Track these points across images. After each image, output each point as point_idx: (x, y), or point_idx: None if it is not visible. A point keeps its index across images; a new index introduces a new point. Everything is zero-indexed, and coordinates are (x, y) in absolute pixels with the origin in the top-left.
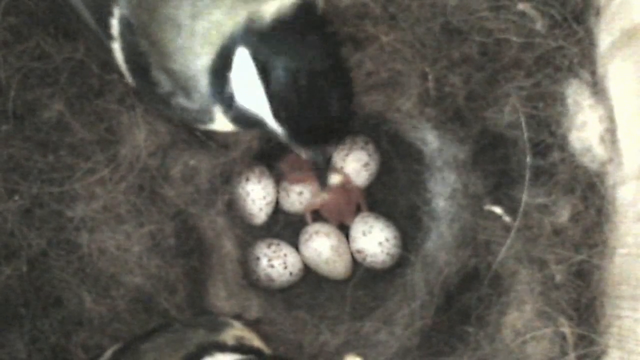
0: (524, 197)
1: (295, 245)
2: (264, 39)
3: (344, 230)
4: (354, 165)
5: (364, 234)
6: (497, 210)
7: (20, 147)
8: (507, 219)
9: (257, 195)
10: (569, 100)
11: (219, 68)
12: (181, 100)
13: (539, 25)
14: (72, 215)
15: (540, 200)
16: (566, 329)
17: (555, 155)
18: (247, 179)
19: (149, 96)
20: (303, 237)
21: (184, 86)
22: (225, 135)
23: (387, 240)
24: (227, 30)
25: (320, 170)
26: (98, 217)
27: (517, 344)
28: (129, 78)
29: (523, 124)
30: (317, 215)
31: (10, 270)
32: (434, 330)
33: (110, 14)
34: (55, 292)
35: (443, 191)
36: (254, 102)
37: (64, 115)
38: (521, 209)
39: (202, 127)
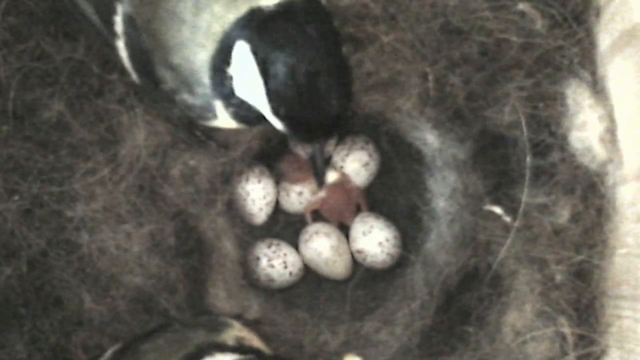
0: (524, 197)
1: (295, 245)
2: (263, 33)
3: (344, 230)
4: (354, 165)
5: (364, 234)
6: (497, 210)
7: (20, 147)
8: (507, 219)
9: (257, 195)
10: (569, 100)
11: (219, 62)
12: (185, 97)
13: (539, 25)
14: (72, 215)
15: (540, 200)
16: (566, 329)
17: (555, 155)
18: (247, 179)
19: (154, 93)
20: (303, 237)
21: (187, 82)
22: (225, 134)
23: (387, 240)
24: (227, 25)
25: (318, 167)
26: (98, 217)
27: (517, 344)
28: (133, 75)
29: (523, 124)
30: (317, 215)
31: (10, 270)
32: (434, 330)
33: (113, 11)
34: (55, 292)
35: (443, 191)
36: (253, 96)
37: (64, 115)
38: (521, 209)
39: (206, 123)
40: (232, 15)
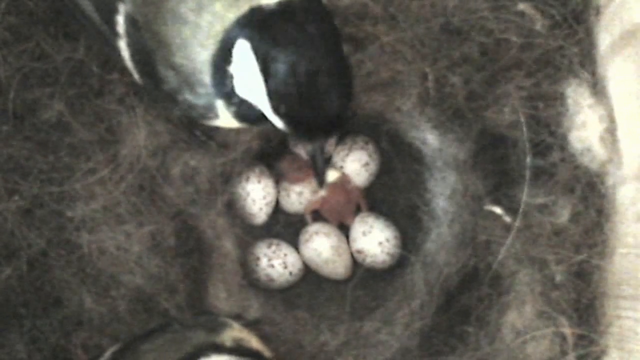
0: (524, 197)
1: (295, 245)
2: (264, 32)
3: (344, 230)
4: (354, 165)
5: (364, 234)
6: (497, 210)
7: (20, 147)
8: (507, 219)
9: (257, 195)
10: (569, 100)
11: (220, 61)
12: (187, 97)
13: (539, 25)
14: (72, 215)
15: (540, 200)
16: (566, 329)
17: (555, 155)
18: (247, 179)
19: (156, 93)
20: (303, 237)
21: (189, 81)
22: (225, 134)
23: (387, 240)
24: (229, 23)
25: (318, 166)
26: (98, 217)
27: (517, 344)
28: (135, 76)
29: (523, 124)
30: (317, 215)
31: (10, 270)
32: (434, 330)
33: (115, 11)
34: (55, 292)
35: (443, 191)
36: (254, 95)
37: (64, 115)
38: (521, 209)
39: (208, 123)
40: (232, 14)
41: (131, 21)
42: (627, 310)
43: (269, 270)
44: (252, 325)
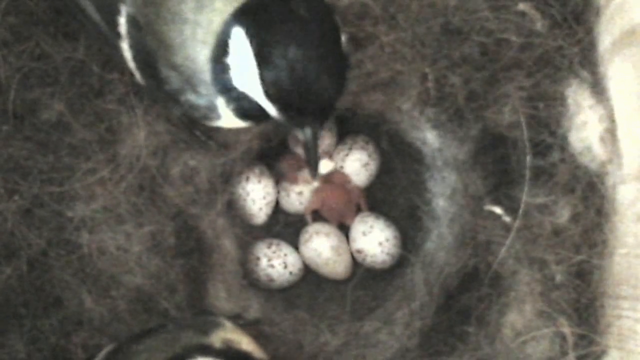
0: (524, 197)
1: (295, 245)
2: (258, 18)
3: (344, 230)
4: (354, 165)
5: (364, 234)
6: (497, 210)
7: (20, 147)
8: (507, 219)
9: (257, 195)
10: (569, 100)
11: (218, 54)
12: (190, 97)
13: (539, 25)
14: (72, 215)
15: (540, 200)
16: (566, 329)
17: (555, 155)
18: (247, 179)
19: (158, 94)
20: (303, 237)
21: (191, 81)
22: (225, 134)
23: (387, 240)
24: (227, 17)
25: (311, 155)
26: (98, 217)
27: (517, 344)
28: (137, 76)
29: (523, 124)
30: (317, 215)
31: (10, 270)
32: (433, 330)
33: (117, 12)
34: (55, 292)
35: (443, 191)
36: (249, 82)
37: (64, 115)
38: (521, 209)
39: (210, 124)
40: (231, 7)
41: (133, 22)
42: (627, 310)
43: (269, 270)
44: (252, 325)
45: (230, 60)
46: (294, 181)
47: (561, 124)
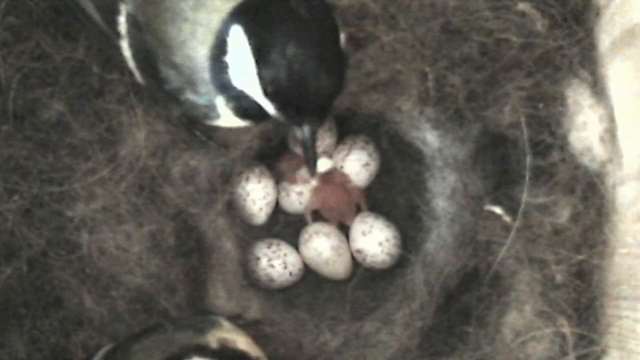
0: (524, 197)
1: (295, 245)
2: (256, 15)
3: (344, 230)
4: (354, 165)
5: (364, 234)
6: (497, 210)
7: (20, 147)
8: (507, 219)
9: (257, 195)
10: (569, 100)
11: (217, 52)
12: (190, 96)
13: (539, 25)
14: (72, 215)
15: (540, 200)
16: (566, 329)
17: (555, 155)
18: (247, 179)
19: (158, 93)
20: (303, 237)
21: (191, 81)
22: (225, 134)
23: (387, 240)
24: (225, 15)
25: (309, 153)
26: (98, 217)
27: (517, 344)
28: (137, 76)
29: (523, 124)
30: (317, 215)
31: (10, 270)
32: (433, 330)
33: (117, 11)
34: (55, 292)
35: (443, 191)
36: (247, 80)
37: (64, 115)
38: (521, 209)
39: (210, 123)
40: (229, 6)
41: (132, 21)
42: (627, 310)
43: (269, 270)
44: (252, 325)
45: (228, 58)
46: (294, 181)
47: (561, 124)
